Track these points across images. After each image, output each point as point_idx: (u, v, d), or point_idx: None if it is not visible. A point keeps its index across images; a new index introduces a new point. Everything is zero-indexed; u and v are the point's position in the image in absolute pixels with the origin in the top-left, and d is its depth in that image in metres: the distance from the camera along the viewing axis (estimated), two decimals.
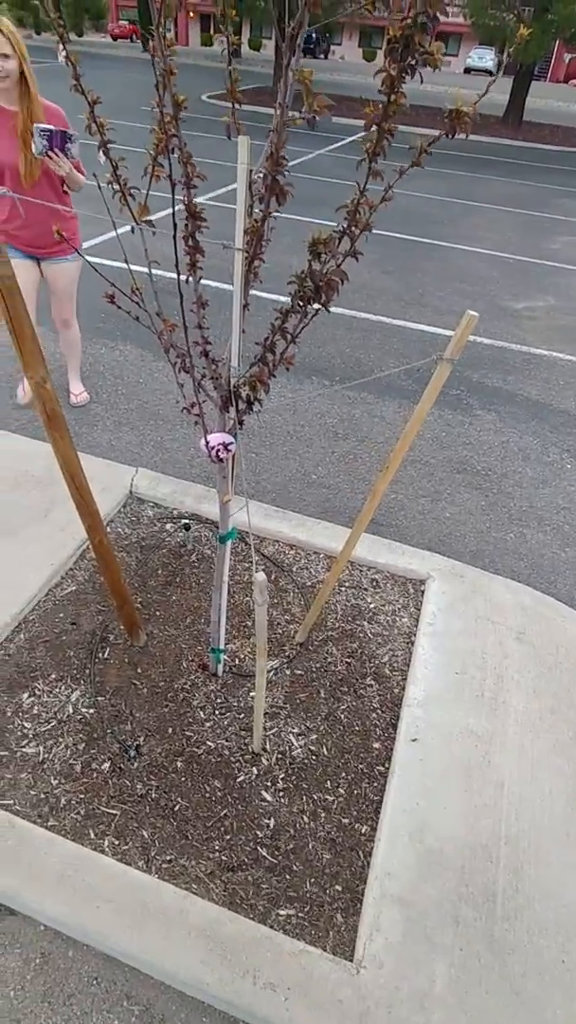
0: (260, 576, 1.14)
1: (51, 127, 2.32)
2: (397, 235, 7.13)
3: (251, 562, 2.39)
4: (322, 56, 39.21)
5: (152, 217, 1.18)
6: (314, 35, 37.15)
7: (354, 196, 1.08)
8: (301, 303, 1.13)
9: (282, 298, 1.24)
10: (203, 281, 1.25)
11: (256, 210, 1.11)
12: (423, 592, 2.36)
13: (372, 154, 1.03)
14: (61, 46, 1.02)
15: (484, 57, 35.22)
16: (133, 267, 1.36)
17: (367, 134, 1.02)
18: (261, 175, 1.08)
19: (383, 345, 4.51)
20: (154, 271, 1.26)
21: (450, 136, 0.95)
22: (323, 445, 3.36)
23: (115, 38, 40.14)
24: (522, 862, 1.58)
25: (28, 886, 1.43)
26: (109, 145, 1.12)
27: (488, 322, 5.05)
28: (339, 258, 1.09)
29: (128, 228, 1.21)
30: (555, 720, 1.94)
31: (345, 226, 1.10)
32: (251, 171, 1.08)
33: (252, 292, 1.23)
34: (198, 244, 1.15)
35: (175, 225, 1.12)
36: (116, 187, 1.14)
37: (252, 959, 1.35)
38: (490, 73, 35.30)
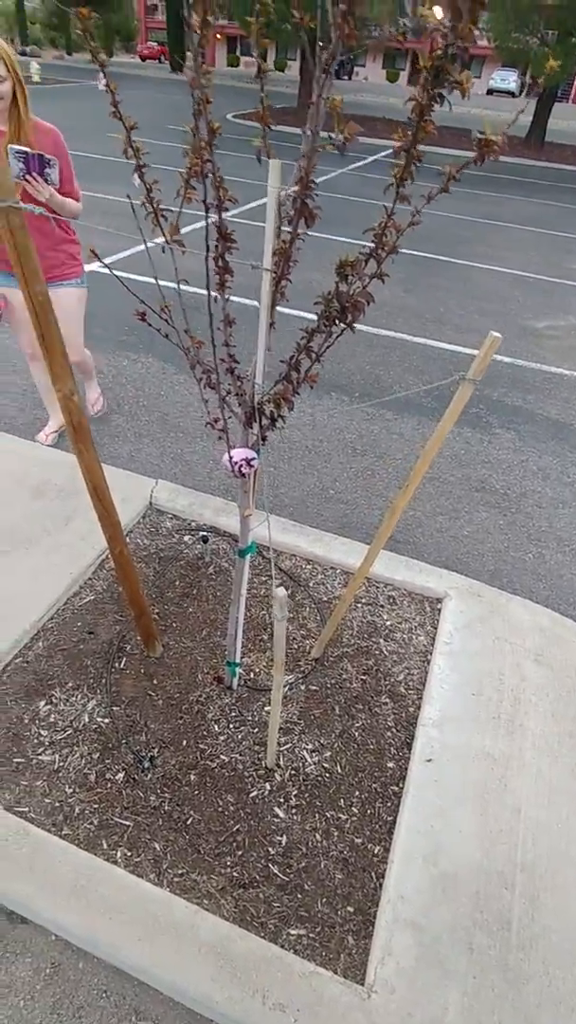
0: (280, 591, 1.15)
1: (27, 150, 2.22)
2: (419, 253, 7.17)
3: (268, 576, 2.40)
4: (346, 77, 39.82)
5: (181, 233, 1.20)
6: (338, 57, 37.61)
7: (381, 219, 1.09)
8: (327, 323, 1.15)
9: (304, 314, 1.26)
10: (230, 298, 1.27)
11: (285, 231, 1.14)
12: (440, 610, 2.34)
13: (400, 179, 1.05)
14: (101, 75, 1.06)
15: (507, 79, 35.53)
16: (160, 282, 1.39)
17: (395, 160, 1.04)
18: (291, 198, 1.10)
19: (403, 362, 4.53)
20: (181, 287, 1.29)
21: (478, 163, 0.97)
22: (341, 461, 3.37)
23: (143, 58, 41.18)
24: (539, 889, 1.55)
25: (41, 895, 1.43)
26: (143, 168, 1.15)
27: (509, 341, 5.04)
28: (365, 280, 1.10)
29: (152, 243, 1.24)
30: (573, 744, 1.91)
31: (372, 248, 1.12)
32: (281, 193, 1.10)
33: (276, 308, 1.26)
34: (228, 265, 1.18)
35: (208, 247, 1.15)
36: (149, 208, 1.17)
37: (262, 979, 1.34)
38: (513, 95, 35.58)
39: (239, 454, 1.34)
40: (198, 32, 0.94)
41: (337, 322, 1.14)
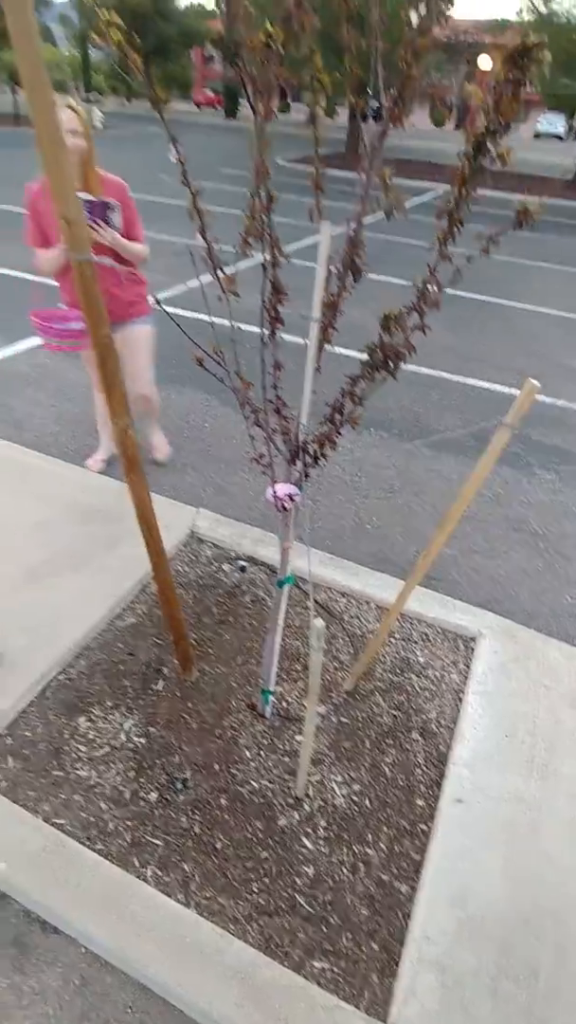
0: (319, 623, 1.20)
1: (91, 197, 2.40)
2: (461, 294, 7.28)
3: (304, 607, 2.45)
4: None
5: (236, 267, 1.30)
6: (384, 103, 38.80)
7: (424, 276, 1.17)
8: (371, 370, 1.22)
9: (344, 351, 1.33)
10: (280, 344, 1.36)
11: (334, 285, 1.23)
12: (473, 649, 2.34)
13: (443, 241, 1.13)
14: (172, 147, 1.18)
15: (555, 123, 35.98)
16: (211, 318, 1.49)
17: (438, 220, 1.12)
18: (339, 255, 1.19)
19: (442, 400, 4.58)
20: (228, 324, 1.38)
21: (519, 227, 1.04)
22: (379, 496, 3.42)
23: (199, 105, 43.26)
24: (568, 939, 1.52)
25: (74, 907, 1.48)
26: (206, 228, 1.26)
27: (549, 381, 5.04)
28: (408, 331, 1.18)
29: (198, 280, 1.34)
30: None
31: (415, 302, 1.19)
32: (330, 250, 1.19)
33: (322, 353, 1.34)
34: (279, 315, 1.27)
35: (263, 302, 1.24)
36: (210, 262, 1.27)
37: (286, 1009, 1.35)
38: (560, 138, 35.96)
39: (282, 489, 1.41)
40: (260, 117, 1.05)
41: (380, 371, 1.21)
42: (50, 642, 2.15)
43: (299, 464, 1.41)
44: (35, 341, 4.90)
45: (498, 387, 4.88)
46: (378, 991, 1.44)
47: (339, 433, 1.36)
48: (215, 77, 43.86)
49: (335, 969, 1.47)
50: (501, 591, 2.82)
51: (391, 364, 1.19)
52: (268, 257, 1.18)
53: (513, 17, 19.19)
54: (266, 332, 1.30)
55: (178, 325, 1.66)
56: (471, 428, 2.97)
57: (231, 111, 32.08)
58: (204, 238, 1.25)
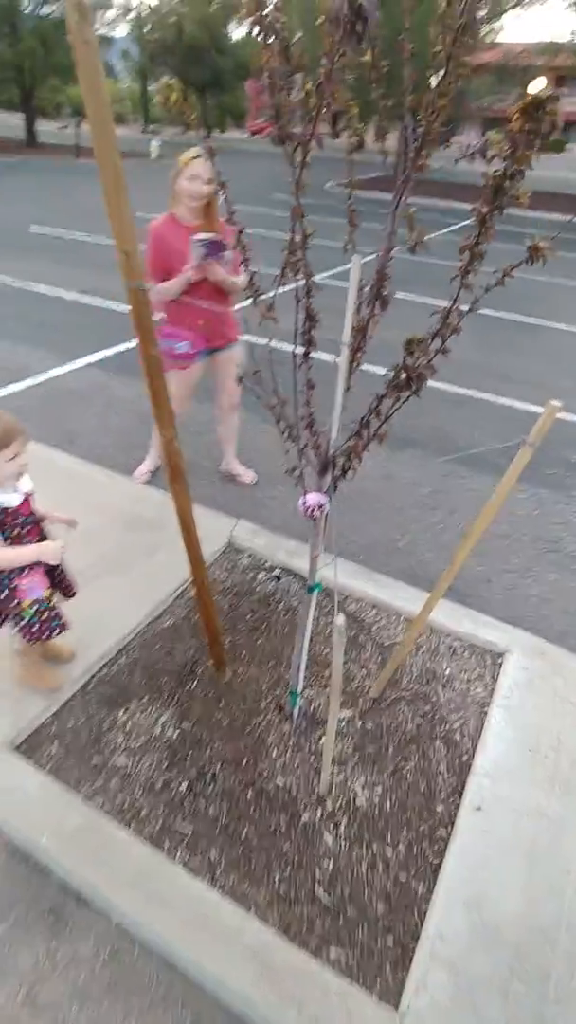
0: (340, 619, 1.30)
1: (207, 237, 2.66)
2: (493, 313, 7.31)
3: (332, 616, 2.53)
4: (443, 147, 41.28)
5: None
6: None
7: (447, 306, 1.27)
8: (395, 390, 1.32)
9: (373, 368, 1.43)
10: (312, 366, 1.48)
11: (363, 312, 1.34)
12: (501, 665, 2.38)
13: (464, 272, 1.23)
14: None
15: None
16: (250, 337, 1.63)
17: (460, 256, 1.22)
18: (369, 284, 1.31)
19: (474, 419, 4.62)
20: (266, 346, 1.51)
21: (529, 264, 1.13)
22: (413, 514, 3.49)
23: (253, 134, 44.61)
24: None
25: (106, 883, 1.60)
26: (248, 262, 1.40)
27: None
28: (430, 354, 1.28)
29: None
30: None
31: (438, 328, 1.29)
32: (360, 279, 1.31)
33: (351, 375, 1.44)
34: (312, 339, 1.39)
35: (295, 328, 1.36)
36: (250, 293, 1.41)
37: (300, 990, 1.42)
38: None
39: (313, 499, 1.52)
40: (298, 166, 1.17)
41: (403, 390, 1.32)
42: (94, 640, 2.29)
43: (328, 476, 1.52)
44: (87, 359, 5.20)
45: (530, 406, 4.89)
46: (391, 982, 1.49)
47: (366, 448, 1.46)
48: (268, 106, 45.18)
49: (350, 959, 1.53)
50: (532, 610, 2.84)
51: (413, 385, 1.29)
52: (303, 286, 1.31)
53: (565, 39, 19.25)
54: (299, 353, 1.42)
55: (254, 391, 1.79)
56: (495, 446, 3.00)
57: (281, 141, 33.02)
58: (247, 268, 1.39)
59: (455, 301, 1.26)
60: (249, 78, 34.31)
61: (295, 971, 1.45)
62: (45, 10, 22.26)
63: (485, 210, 1.16)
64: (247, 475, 3.66)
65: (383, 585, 2.70)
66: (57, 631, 1.91)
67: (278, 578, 2.72)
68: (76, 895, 1.64)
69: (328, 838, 1.79)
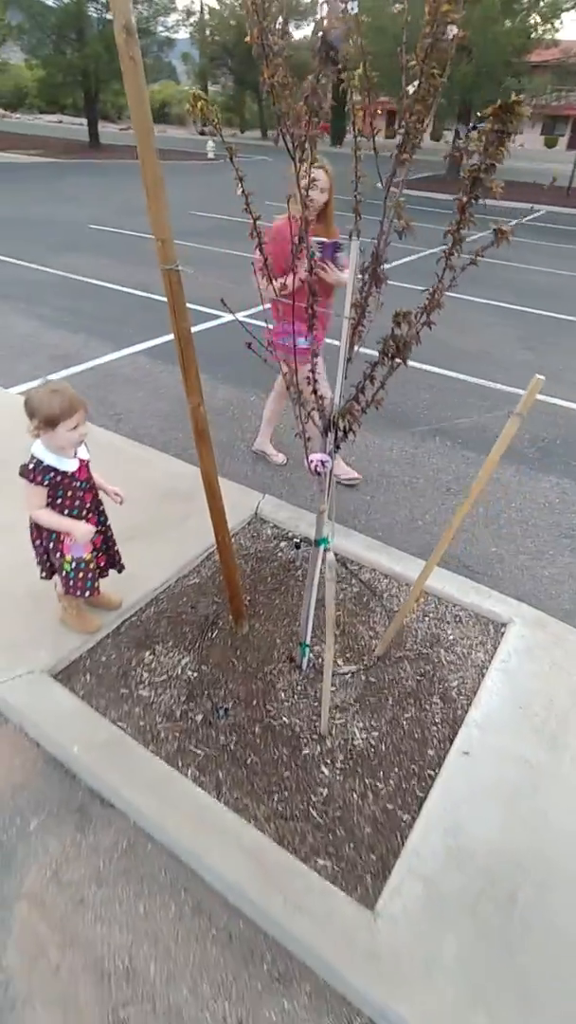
0: (331, 556, 1.49)
1: (323, 240, 2.79)
2: (539, 311, 7.29)
3: (347, 583, 2.71)
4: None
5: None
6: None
7: (434, 286, 1.44)
8: (387, 358, 1.50)
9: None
10: (315, 337, 1.67)
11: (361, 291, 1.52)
12: (503, 634, 2.51)
13: (448, 255, 1.40)
14: (237, 182, 1.52)
15: None
16: (266, 324, 1.83)
17: (444, 244, 1.39)
18: (367, 265, 1.49)
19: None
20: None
21: (496, 246, 1.30)
22: (434, 498, 3.63)
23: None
24: (552, 881, 1.68)
25: (127, 788, 1.83)
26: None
27: None
28: (417, 326, 1.45)
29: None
30: None
31: (426, 303, 1.47)
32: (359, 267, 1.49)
33: (365, 350, 1.62)
34: (316, 311, 1.58)
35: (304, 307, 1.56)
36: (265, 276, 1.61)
37: (287, 885, 1.62)
38: None
39: (316, 456, 1.71)
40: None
41: (394, 358, 1.49)
42: (128, 592, 2.54)
43: (331, 436, 1.70)
44: (136, 347, 5.51)
45: (570, 404, 4.93)
46: (369, 890, 1.67)
47: (364, 411, 1.64)
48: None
49: (335, 868, 1.72)
50: (542, 590, 2.95)
51: (402, 352, 1.46)
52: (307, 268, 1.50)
53: None
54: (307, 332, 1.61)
55: (249, 332, 2.01)
56: (471, 418, 3.11)
57: (337, 138, 33.18)
58: (262, 253, 1.59)
59: (441, 279, 1.43)
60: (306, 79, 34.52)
61: (284, 870, 1.65)
62: (108, 15, 23.04)
63: (464, 199, 1.32)
64: (277, 456, 3.85)
65: (397, 558, 2.86)
66: (88, 593, 2.15)
67: (297, 546, 2.92)
68: (100, 798, 1.89)
69: (325, 770, 1.98)
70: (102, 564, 2.25)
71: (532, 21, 17.37)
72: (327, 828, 1.82)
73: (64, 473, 2.00)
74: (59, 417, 1.88)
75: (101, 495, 2.21)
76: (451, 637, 2.51)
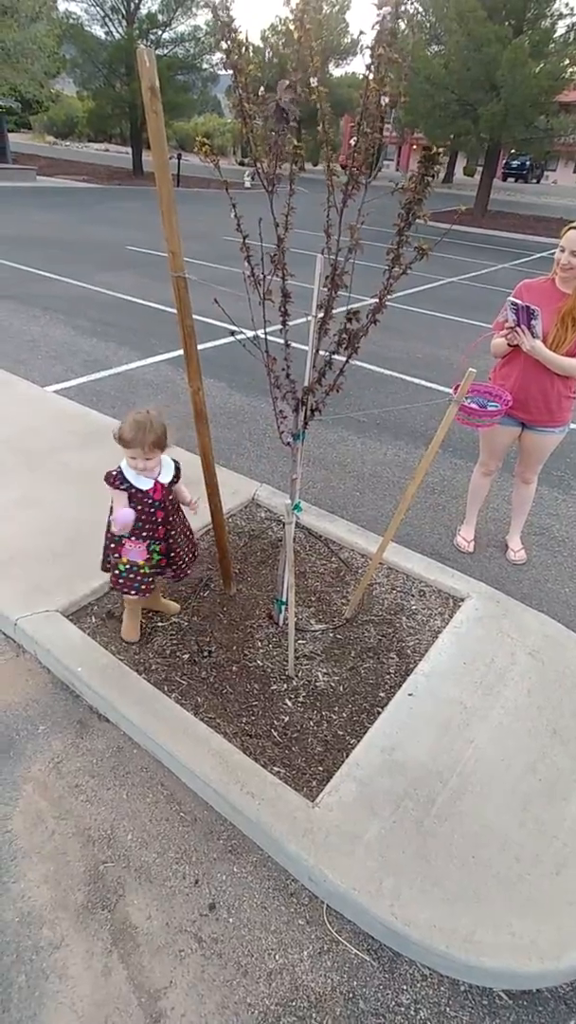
0: (286, 501, 1.85)
1: (519, 302, 2.61)
2: None
3: (326, 560, 3.06)
4: (534, 181, 41.25)
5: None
6: (527, 162, 39.29)
7: (381, 289, 1.82)
8: (338, 347, 1.88)
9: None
10: (296, 345, 2.06)
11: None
12: (460, 606, 2.83)
13: (391, 268, 1.78)
14: (233, 214, 1.93)
15: None
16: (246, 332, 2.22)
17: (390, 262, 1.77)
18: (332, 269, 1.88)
19: None
20: (260, 335, 2.10)
21: (420, 259, 1.68)
22: (420, 496, 3.96)
23: (344, 167, 46.18)
24: (467, 791, 1.99)
25: (120, 700, 2.19)
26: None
27: None
28: (363, 322, 1.83)
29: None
30: (539, 715, 2.30)
31: (376, 304, 1.85)
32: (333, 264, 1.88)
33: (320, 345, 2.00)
34: (287, 312, 1.97)
35: (277, 310, 1.95)
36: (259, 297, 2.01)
37: (244, 777, 1.95)
38: None
39: (288, 429, 2.09)
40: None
41: (346, 348, 1.87)
42: None
43: (300, 415, 2.08)
44: (160, 357, 5.99)
45: None
46: (314, 790, 2.00)
47: (327, 394, 2.01)
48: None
49: (287, 773, 2.05)
50: (506, 576, 3.26)
51: (353, 343, 1.84)
52: (282, 283, 1.90)
53: None
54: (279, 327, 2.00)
55: (244, 345, 2.40)
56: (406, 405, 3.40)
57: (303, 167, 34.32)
58: (255, 278, 1.99)
59: (386, 287, 1.81)
60: (344, 115, 35.85)
61: (244, 768, 1.99)
62: (158, 52, 24.42)
63: (401, 224, 1.71)
64: (517, 553, 3.41)
65: (374, 541, 3.20)
66: (134, 593, 2.32)
67: (232, 333, 3.25)
68: (98, 714, 2.25)
69: (288, 702, 2.32)
70: (163, 565, 2.39)
71: (562, 64, 17.95)
72: (284, 745, 2.15)
73: (138, 489, 2.21)
74: (125, 444, 2.13)
75: (185, 509, 2.42)
76: (414, 607, 2.83)
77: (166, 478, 2.29)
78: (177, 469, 2.37)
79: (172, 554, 2.38)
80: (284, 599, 2.56)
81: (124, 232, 13.01)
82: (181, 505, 2.42)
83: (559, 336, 2.71)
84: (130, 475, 2.21)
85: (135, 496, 2.23)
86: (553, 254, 2.75)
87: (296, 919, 1.75)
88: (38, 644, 2.42)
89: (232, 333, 2.00)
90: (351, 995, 1.61)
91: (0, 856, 1.83)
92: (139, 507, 2.23)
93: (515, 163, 39.48)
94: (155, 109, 1.89)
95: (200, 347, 2.22)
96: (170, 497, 2.33)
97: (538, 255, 15.16)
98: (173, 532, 2.36)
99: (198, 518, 3.19)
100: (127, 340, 6.38)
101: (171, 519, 2.34)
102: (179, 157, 22.89)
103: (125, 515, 2.18)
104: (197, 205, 18.03)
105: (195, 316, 2.15)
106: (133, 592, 2.34)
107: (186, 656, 2.47)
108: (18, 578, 2.69)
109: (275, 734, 2.19)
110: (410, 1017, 1.58)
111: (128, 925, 1.70)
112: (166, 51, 24.13)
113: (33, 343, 6.01)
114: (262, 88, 1.65)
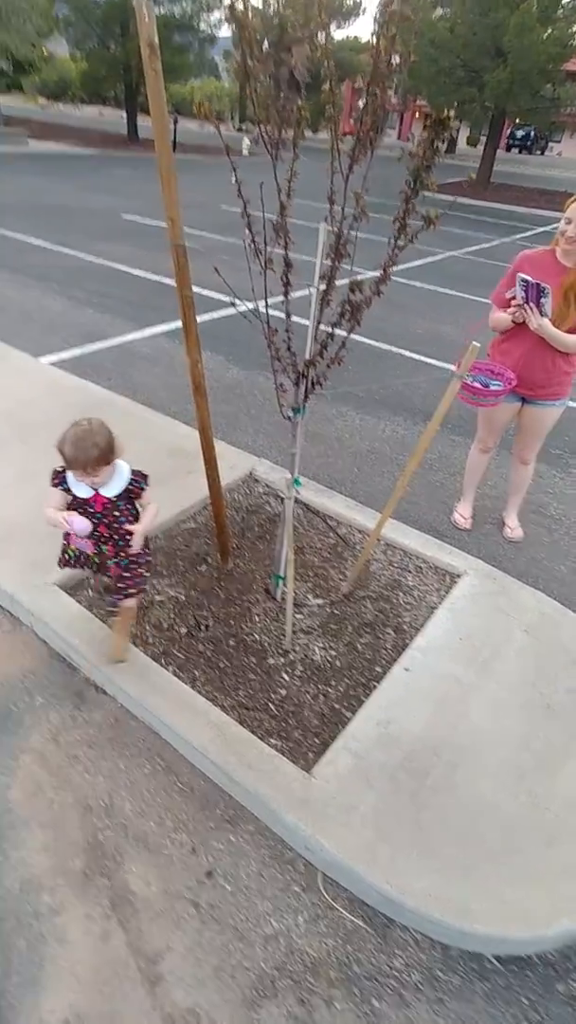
0: (287, 476, 1.83)
1: (529, 279, 2.53)
2: None
3: (324, 536, 3.06)
4: (538, 152, 40.40)
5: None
6: (532, 133, 38.45)
7: (385, 260, 1.78)
8: (341, 319, 1.85)
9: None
10: (296, 319, 2.01)
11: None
12: (457, 583, 2.84)
13: (397, 238, 1.74)
14: (234, 180, 1.87)
15: None
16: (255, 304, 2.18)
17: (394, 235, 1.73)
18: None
19: None
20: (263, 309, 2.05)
21: (426, 229, 1.64)
22: (418, 473, 3.94)
23: (346, 134, 45.08)
24: (461, 764, 2.02)
25: (117, 675, 2.20)
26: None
27: None
28: (368, 294, 1.79)
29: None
30: (533, 691, 2.32)
31: (380, 276, 1.81)
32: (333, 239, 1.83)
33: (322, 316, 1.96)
34: (289, 281, 1.93)
35: (280, 279, 1.91)
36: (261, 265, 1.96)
37: (241, 749, 1.97)
38: None
39: (288, 403, 2.06)
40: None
41: (349, 320, 1.84)
42: None
43: (301, 388, 2.05)
44: (157, 329, 5.90)
45: None
46: (310, 763, 2.02)
47: (329, 367, 1.98)
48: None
49: (284, 746, 2.07)
50: (502, 553, 3.26)
51: (355, 315, 1.81)
52: (284, 252, 1.85)
53: None
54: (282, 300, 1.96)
55: (244, 315, 2.35)
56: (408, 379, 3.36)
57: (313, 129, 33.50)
58: (256, 247, 1.93)
59: (392, 258, 1.77)
60: (346, 79, 34.89)
61: (241, 740, 2.01)
62: (156, 10, 23.57)
63: (408, 192, 1.66)
64: (514, 531, 3.43)
65: (371, 516, 3.19)
66: (75, 565, 2.15)
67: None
68: (95, 685, 2.26)
69: (285, 676, 2.33)
70: (111, 575, 2.16)
71: (570, 30, 17.44)
72: (281, 718, 2.17)
73: (76, 496, 1.99)
74: (67, 464, 1.90)
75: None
76: (411, 583, 2.84)
77: (111, 492, 2.00)
78: (136, 481, 2.07)
79: (122, 572, 2.12)
80: (282, 574, 2.56)
81: (120, 200, 12.71)
82: (128, 527, 2.07)
83: (561, 312, 2.67)
84: (70, 477, 1.97)
85: (73, 503, 1.99)
86: (557, 228, 2.70)
87: (292, 886, 1.78)
88: (35, 616, 2.42)
89: (233, 304, 1.95)
90: (345, 959, 1.65)
91: (0, 824, 1.85)
92: (80, 511, 1.98)
93: (519, 134, 38.59)
94: (154, 67, 1.82)
95: (198, 320, 2.18)
96: (115, 514, 2.03)
97: (541, 229, 14.91)
98: (120, 552, 2.09)
99: (197, 492, 3.18)
100: (123, 312, 6.27)
101: (114, 536, 2.05)
102: (175, 121, 22.24)
103: (80, 526, 1.92)
104: (193, 175, 17.59)
105: (193, 288, 2.09)
106: (74, 564, 2.13)
107: (183, 630, 2.47)
108: (15, 553, 2.67)
109: (272, 707, 2.20)
110: (403, 980, 1.62)
111: (127, 891, 1.73)
112: (163, 9, 23.30)
113: (27, 314, 5.91)
114: (265, 44, 1.59)
